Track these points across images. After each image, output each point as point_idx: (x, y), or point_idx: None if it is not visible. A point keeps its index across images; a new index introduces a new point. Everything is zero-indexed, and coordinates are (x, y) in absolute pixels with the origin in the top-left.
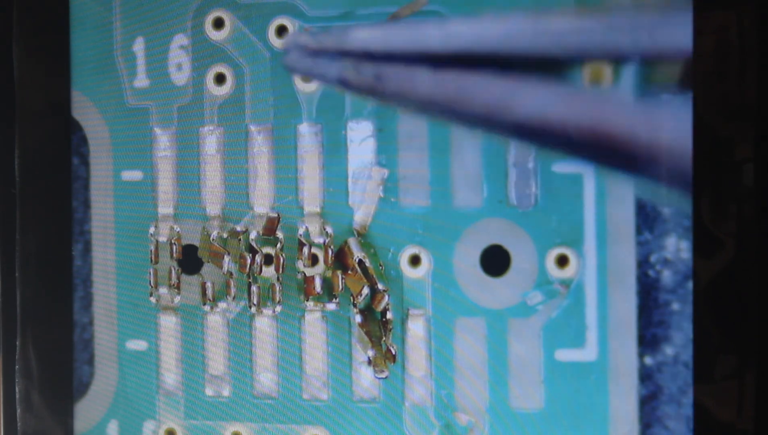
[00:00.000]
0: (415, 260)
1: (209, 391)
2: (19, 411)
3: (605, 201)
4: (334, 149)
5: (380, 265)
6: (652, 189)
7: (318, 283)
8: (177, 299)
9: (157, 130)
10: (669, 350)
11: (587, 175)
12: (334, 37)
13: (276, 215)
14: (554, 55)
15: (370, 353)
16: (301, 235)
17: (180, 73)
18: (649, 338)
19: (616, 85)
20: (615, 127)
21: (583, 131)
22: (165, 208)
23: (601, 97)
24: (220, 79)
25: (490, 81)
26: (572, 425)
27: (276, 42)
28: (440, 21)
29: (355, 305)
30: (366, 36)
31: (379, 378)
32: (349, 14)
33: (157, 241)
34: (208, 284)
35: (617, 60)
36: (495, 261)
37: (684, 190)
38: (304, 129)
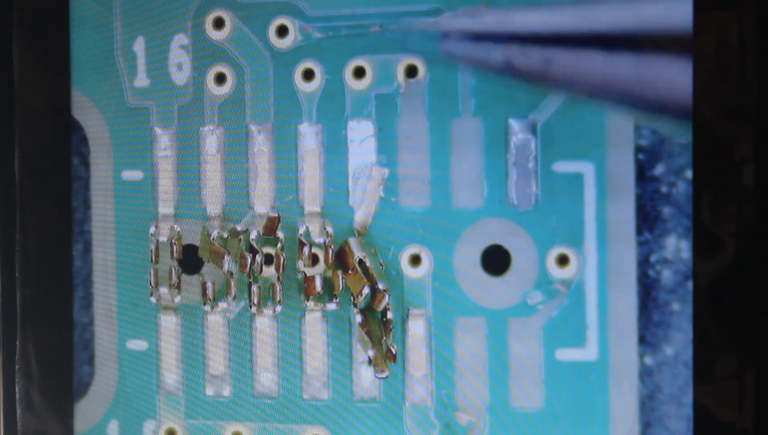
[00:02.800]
0: (415, 260)
1: (209, 391)
2: (19, 411)
3: (605, 201)
4: (335, 149)
5: (381, 265)
6: None
7: (318, 283)
8: (177, 299)
9: (158, 130)
10: (669, 350)
11: (588, 174)
12: (498, 19)
13: (276, 215)
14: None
15: (371, 353)
16: (301, 235)
17: (180, 73)
18: (649, 338)
19: None
20: None
21: None
22: (165, 208)
23: None
24: (220, 78)
25: (668, 63)
26: (572, 425)
27: (276, 42)
28: (612, 2)
29: (355, 305)
30: (533, 18)
31: (380, 378)
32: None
33: (157, 240)
34: (209, 284)
35: None
36: (495, 261)
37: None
38: (305, 129)
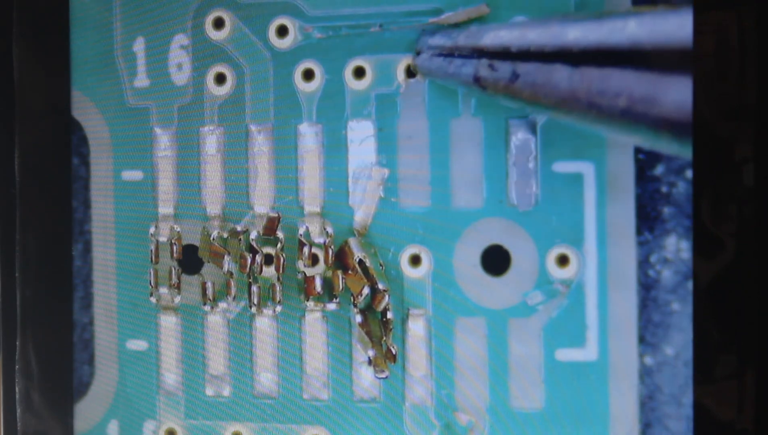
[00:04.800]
0: (415, 260)
1: (209, 391)
2: (19, 411)
3: (605, 200)
4: (335, 149)
5: (380, 265)
6: None
7: (318, 283)
8: (177, 299)
9: (158, 130)
10: (669, 350)
11: (587, 174)
12: (469, 36)
13: (276, 215)
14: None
15: (371, 353)
16: (301, 235)
17: (180, 73)
18: (649, 338)
19: None
20: None
21: None
22: (165, 208)
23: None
24: (220, 78)
25: (634, 75)
26: (572, 425)
27: (276, 42)
28: (580, 18)
29: (355, 305)
30: (502, 34)
31: (380, 378)
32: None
33: (157, 240)
34: (209, 284)
35: None
36: (495, 261)
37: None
38: (305, 129)
